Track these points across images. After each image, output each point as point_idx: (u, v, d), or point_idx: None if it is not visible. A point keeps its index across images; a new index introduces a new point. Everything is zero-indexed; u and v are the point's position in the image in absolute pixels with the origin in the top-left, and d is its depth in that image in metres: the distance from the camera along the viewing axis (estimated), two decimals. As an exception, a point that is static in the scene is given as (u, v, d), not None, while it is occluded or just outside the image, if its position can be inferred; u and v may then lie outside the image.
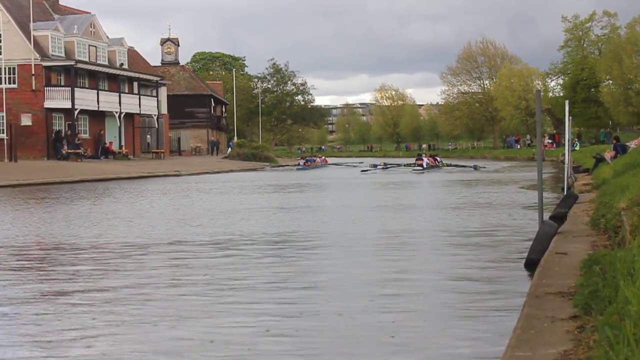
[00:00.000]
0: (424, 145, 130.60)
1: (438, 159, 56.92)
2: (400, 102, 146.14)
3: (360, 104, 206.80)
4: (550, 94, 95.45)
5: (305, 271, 10.79)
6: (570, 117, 20.47)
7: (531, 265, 9.84)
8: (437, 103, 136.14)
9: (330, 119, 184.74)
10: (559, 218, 13.20)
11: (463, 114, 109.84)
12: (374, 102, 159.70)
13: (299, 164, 62.41)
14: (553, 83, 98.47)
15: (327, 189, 31.77)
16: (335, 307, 8.30)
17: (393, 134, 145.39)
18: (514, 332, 5.71)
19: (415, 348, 6.77)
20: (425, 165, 50.44)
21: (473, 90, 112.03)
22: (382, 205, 22.11)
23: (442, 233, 15.01)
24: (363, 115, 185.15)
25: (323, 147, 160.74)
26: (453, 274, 10.31)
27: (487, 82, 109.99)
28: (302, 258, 12.05)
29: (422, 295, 8.96)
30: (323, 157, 71.79)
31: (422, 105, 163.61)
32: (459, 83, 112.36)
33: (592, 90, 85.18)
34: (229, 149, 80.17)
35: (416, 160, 53.08)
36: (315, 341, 7.04)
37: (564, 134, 21.11)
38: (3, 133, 52.19)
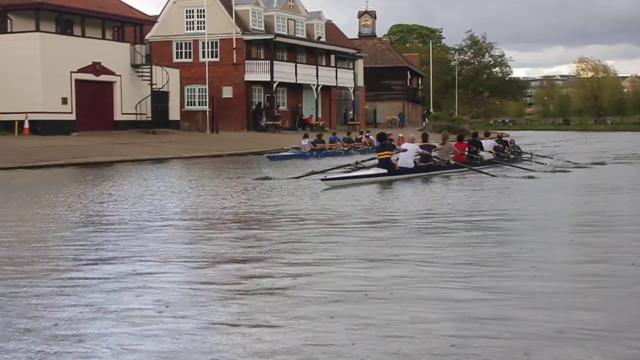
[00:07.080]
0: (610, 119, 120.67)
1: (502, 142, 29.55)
2: (602, 74, 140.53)
3: (560, 76, 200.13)
4: None
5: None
6: None
7: None
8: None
9: (529, 91, 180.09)
10: None
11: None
12: (573, 74, 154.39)
13: (302, 145, 35.92)
14: None
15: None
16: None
17: (593, 107, 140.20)
18: None
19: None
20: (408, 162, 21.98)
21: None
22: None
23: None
24: (563, 88, 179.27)
25: (507, 120, 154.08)
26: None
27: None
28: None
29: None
30: (365, 134, 41.57)
31: (626, 77, 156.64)
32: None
33: None
34: (424, 122, 79.86)
35: (378, 152, 22.07)
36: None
37: None
38: (206, 105, 53.85)
